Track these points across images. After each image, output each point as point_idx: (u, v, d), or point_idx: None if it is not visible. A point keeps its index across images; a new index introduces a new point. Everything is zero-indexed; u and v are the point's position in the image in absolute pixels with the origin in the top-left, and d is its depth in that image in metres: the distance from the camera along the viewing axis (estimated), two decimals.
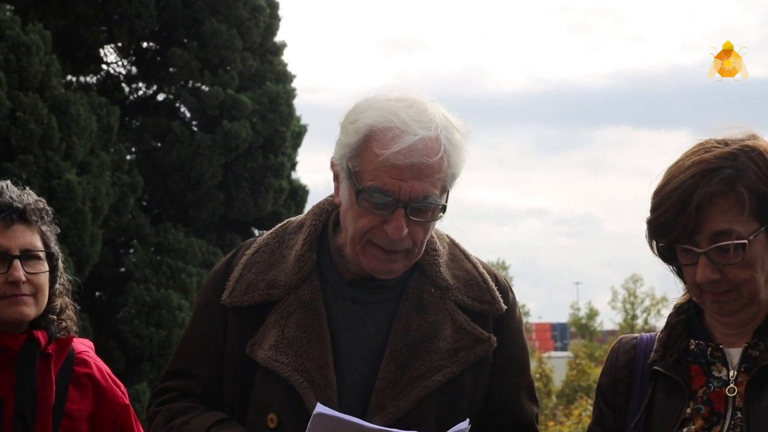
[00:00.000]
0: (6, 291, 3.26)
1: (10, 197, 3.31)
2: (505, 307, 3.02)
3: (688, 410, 2.74)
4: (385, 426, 2.76)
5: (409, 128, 2.79)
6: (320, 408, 2.64)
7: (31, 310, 3.30)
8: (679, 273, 2.82)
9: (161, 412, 3.03)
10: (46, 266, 3.35)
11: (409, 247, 2.87)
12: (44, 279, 3.33)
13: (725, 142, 2.73)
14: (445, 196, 2.87)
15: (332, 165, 2.94)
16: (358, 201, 2.83)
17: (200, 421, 2.94)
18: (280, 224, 3.13)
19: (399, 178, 2.79)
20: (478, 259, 3.11)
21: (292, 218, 3.15)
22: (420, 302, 2.96)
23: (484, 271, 3.07)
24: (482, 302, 3.00)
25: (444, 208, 2.87)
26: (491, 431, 3.00)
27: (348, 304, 2.97)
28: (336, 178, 2.94)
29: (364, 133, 2.83)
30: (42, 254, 3.34)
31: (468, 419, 2.75)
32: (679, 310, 2.90)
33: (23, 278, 3.26)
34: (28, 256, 3.30)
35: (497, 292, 3.03)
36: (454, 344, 2.93)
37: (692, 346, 2.80)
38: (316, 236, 3.02)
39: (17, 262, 3.27)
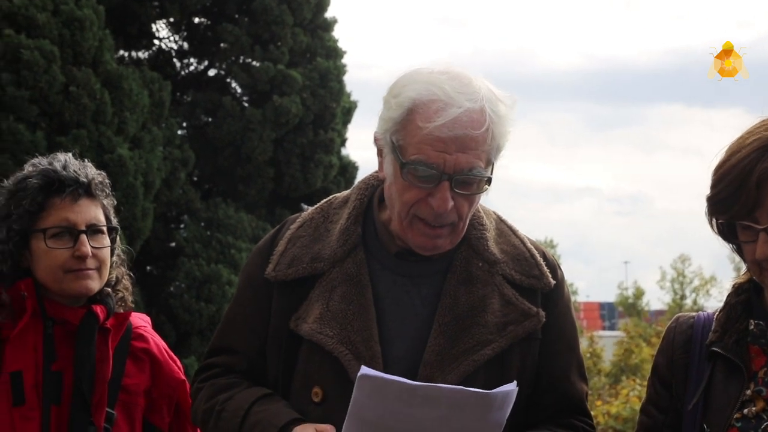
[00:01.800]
0: (72, 265, 3.28)
1: (75, 171, 3.33)
2: (553, 282, 3.00)
3: (749, 392, 2.71)
4: None
5: (454, 100, 2.76)
6: (365, 370, 2.61)
7: (95, 284, 3.32)
8: (739, 251, 2.79)
9: (204, 388, 3.04)
10: (108, 240, 3.37)
11: (454, 221, 2.85)
12: (107, 253, 3.36)
13: None
14: (490, 168, 2.84)
15: (376, 140, 2.92)
16: (402, 174, 2.81)
17: (244, 396, 2.94)
18: (325, 199, 3.13)
19: (443, 150, 2.76)
20: (525, 235, 3.09)
21: (338, 194, 3.14)
22: (468, 276, 2.94)
23: (532, 247, 3.05)
24: (530, 277, 2.98)
25: (489, 181, 2.84)
26: (540, 409, 2.98)
27: (394, 277, 2.95)
28: (380, 153, 2.92)
29: (408, 106, 2.80)
30: (105, 228, 3.37)
31: (516, 381, 2.71)
32: (738, 290, 2.86)
33: (90, 253, 3.29)
34: (93, 230, 3.33)
35: (545, 268, 3.01)
36: (503, 318, 2.91)
37: (752, 327, 2.77)
38: (362, 210, 3.01)
39: (84, 237, 3.29)
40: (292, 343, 2.94)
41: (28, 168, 3.37)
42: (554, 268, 3.05)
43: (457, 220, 2.85)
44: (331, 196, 3.13)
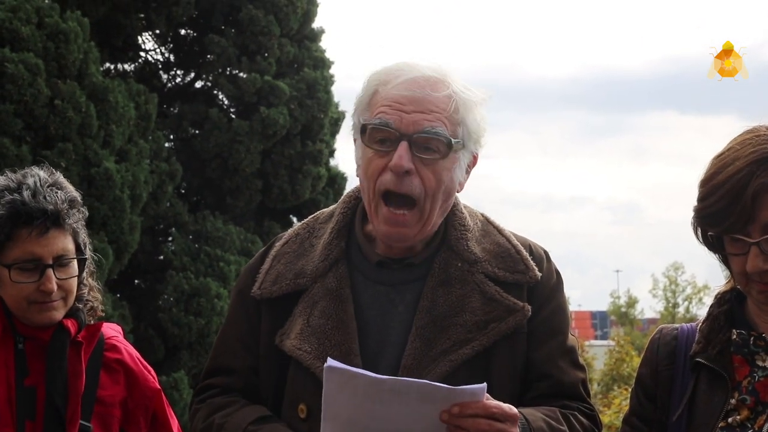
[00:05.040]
0: (37, 298, 3.22)
1: (44, 199, 3.21)
2: (540, 274, 2.98)
3: (733, 401, 2.70)
4: None
5: (415, 67, 2.84)
6: (330, 362, 2.59)
7: (59, 314, 3.27)
8: (725, 261, 2.77)
9: (202, 408, 3.04)
10: (76, 268, 3.30)
11: (418, 195, 2.83)
12: (74, 282, 3.30)
13: None
14: (458, 142, 2.85)
15: (354, 139, 2.96)
16: (363, 141, 2.86)
17: (242, 415, 2.93)
18: (312, 215, 3.15)
19: (400, 109, 2.81)
20: (512, 233, 3.08)
21: (324, 209, 3.15)
22: (446, 277, 2.94)
23: (517, 243, 3.03)
24: (515, 272, 2.96)
25: (450, 144, 2.83)
26: (533, 397, 2.94)
27: (377, 287, 2.95)
28: (355, 143, 2.96)
29: (374, 83, 2.88)
30: (74, 258, 3.29)
31: (485, 382, 2.65)
32: (720, 300, 2.85)
33: (55, 288, 3.22)
34: (60, 263, 3.25)
35: (531, 261, 2.99)
36: (484, 316, 2.89)
37: (734, 336, 2.75)
38: (345, 224, 3.03)
39: (50, 272, 3.21)
40: (282, 360, 2.95)
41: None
42: (541, 259, 3.04)
43: (423, 196, 2.84)
44: (318, 212, 3.15)
